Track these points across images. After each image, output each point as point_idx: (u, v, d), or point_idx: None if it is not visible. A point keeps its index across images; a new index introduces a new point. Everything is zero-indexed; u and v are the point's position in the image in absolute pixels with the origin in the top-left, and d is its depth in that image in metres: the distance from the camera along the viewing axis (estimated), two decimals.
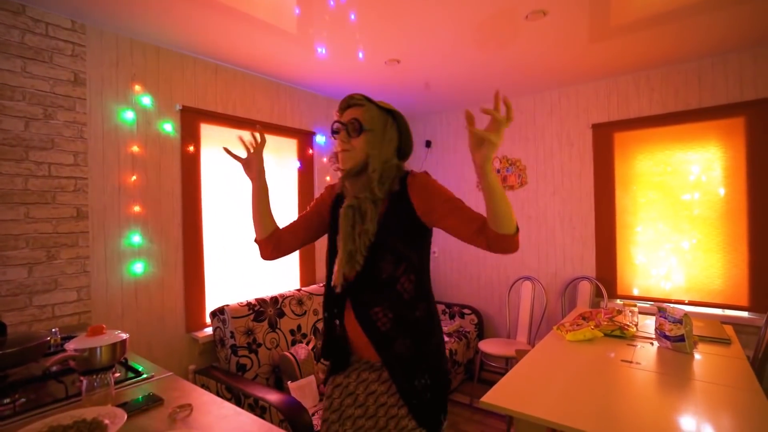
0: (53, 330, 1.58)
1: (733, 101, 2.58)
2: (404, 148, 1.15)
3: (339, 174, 1.15)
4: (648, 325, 2.25)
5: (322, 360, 1.24)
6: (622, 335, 2.06)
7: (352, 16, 2.01)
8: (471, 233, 1.01)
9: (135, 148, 2.09)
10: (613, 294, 3.00)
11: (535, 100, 3.36)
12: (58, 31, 1.86)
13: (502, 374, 3.27)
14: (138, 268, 2.09)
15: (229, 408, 1.06)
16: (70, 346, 1.21)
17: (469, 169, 3.75)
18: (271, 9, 1.92)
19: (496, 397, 1.45)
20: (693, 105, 2.70)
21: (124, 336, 1.31)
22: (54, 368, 1.27)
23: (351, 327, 1.12)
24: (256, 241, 1.24)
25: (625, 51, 2.51)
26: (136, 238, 2.08)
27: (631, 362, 1.73)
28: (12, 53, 1.73)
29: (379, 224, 1.06)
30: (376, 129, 1.08)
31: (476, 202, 3.68)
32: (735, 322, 2.49)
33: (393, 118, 1.12)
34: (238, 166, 1.25)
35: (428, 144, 4.00)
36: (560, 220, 3.24)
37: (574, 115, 3.18)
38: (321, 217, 1.27)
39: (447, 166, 3.91)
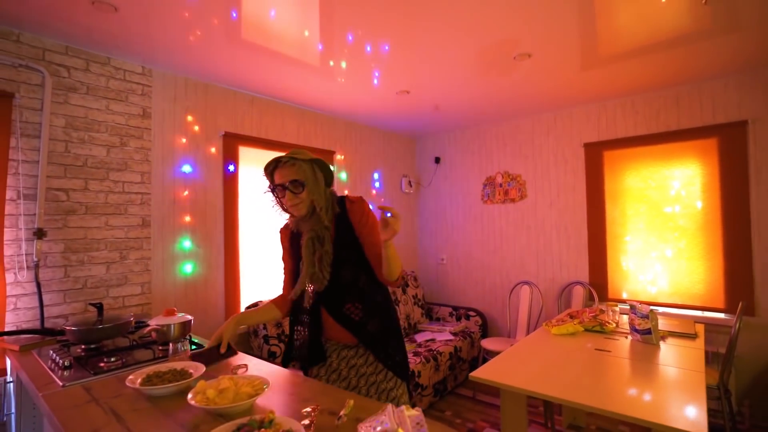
0: (130, 315, 1.99)
1: (708, 124, 2.88)
2: (329, 179, 1.42)
3: (290, 218, 1.42)
4: (627, 322, 2.54)
5: (292, 364, 1.55)
6: (602, 330, 2.36)
7: (368, 48, 2.37)
8: (377, 263, 1.37)
9: (187, 168, 2.52)
10: (604, 297, 3.28)
11: (533, 121, 3.70)
12: (132, 76, 2.31)
13: None
14: (188, 268, 2.50)
15: (274, 367, 1.42)
16: (153, 322, 1.60)
17: (474, 183, 4.10)
18: (297, 46, 2.27)
19: (485, 372, 1.78)
20: (673, 127, 3.01)
21: (189, 317, 1.70)
22: (139, 340, 1.67)
23: (327, 324, 1.42)
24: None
25: (612, 78, 2.84)
26: (187, 243, 2.50)
27: (603, 350, 2.03)
28: (100, 95, 2.18)
29: (333, 244, 1.39)
30: (310, 179, 1.32)
31: (480, 214, 4.02)
32: (713, 323, 2.76)
33: (315, 163, 1.36)
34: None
35: (437, 160, 4.37)
36: (556, 230, 3.55)
37: (568, 135, 3.51)
38: (293, 257, 1.49)
39: (454, 180, 4.26)
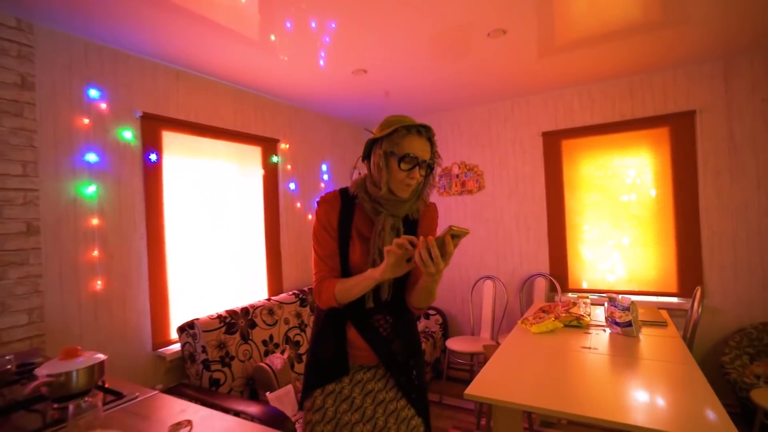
0: (8, 357, 1.45)
1: (659, 113, 2.92)
2: None
3: (376, 193, 1.13)
4: (598, 314, 2.48)
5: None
6: (579, 325, 2.26)
7: (313, 24, 2.03)
8: (412, 283, 1.17)
9: (92, 156, 1.96)
10: (565, 288, 3.25)
11: (490, 109, 3.57)
12: (1, 30, 1.71)
13: (468, 371, 3.44)
14: (98, 284, 1.95)
15: (230, 420, 1.04)
16: (43, 371, 1.12)
17: None
18: (233, 15, 1.88)
19: (477, 389, 1.54)
20: (627, 116, 3.02)
21: (102, 357, 1.24)
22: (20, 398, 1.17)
23: (351, 336, 1.18)
24: (341, 305, 1.12)
25: (568, 66, 2.77)
26: (95, 253, 1.95)
27: (589, 348, 1.90)
28: None
29: None
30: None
31: (437, 207, 3.81)
32: (667, 307, 2.81)
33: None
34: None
35: None
36: (516, 222, 3.46)
37: (525, 123, 3.42)
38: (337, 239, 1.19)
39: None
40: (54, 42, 1.87)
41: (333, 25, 2.05)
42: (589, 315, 2.36)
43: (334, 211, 1.17)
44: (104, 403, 1.17)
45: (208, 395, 1.97)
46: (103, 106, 2.02)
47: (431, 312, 3.64)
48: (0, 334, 1.66)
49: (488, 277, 3.46)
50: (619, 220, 3.08)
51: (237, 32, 2.04)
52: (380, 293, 1.15)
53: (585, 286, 3.21)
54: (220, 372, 2.11)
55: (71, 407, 0.98)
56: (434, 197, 3.85)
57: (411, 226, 1.20)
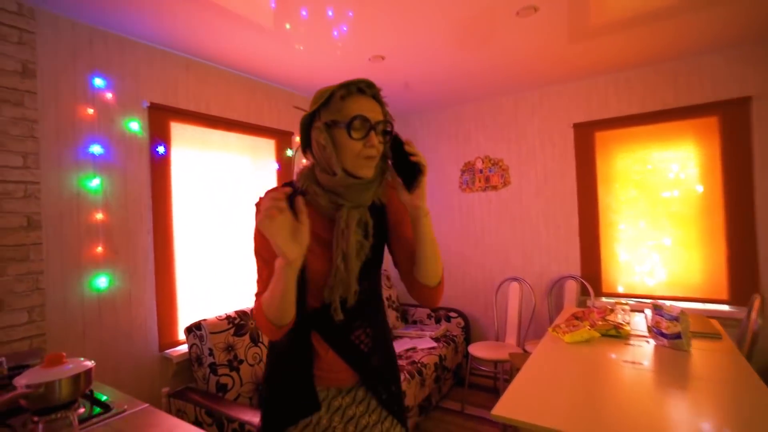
0: None
1: (708, 101, 2.64)
2: None
3: (331, 181, 0.89)
4: (639, 322, 2.25)
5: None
6: (618, 334, 2.03)
7: (330, 12, 1.91)
8: (410, 267, 0.96)
9: (96, 148, 1.88)
10: (598, 292, 3.01)
11: (517, 99, 3.35)
12: (2, 15, 1.63)
13: (492, 378, 3.25)
14: (102, 282, 1.87)
15: None
16: (21, 381, 1.01)
17: (450, 169, 3.70)
18: (246, 1, 1.77)
19: (505, 408, 1.36)
20: (670, 104, 2.75)
21: (89, 364, 1.12)
22: None
23: (327, 359, 0.96)
24: (284, 326, 0.86)
25: (603, 52, 2.53)
26: (99, 249, 1.86)
27: (632, 362, 1.69)
28: None
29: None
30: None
31: (458, 203, 3.63)
32: (717, 316, 2.54)
33: None
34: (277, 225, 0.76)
35: None
36: (544, 220, 3.23)
37: (555, 114, 3.18)
38: None
39: (428, 167, 3.83)
40: (57, 28, 1.78)
41: (350, 13, 1.91)
42: (628, 324, 2.14)
43: None
44: (88, 417, 1.06)
45: (214, 402, 1.86)
46: (109, 95, 1.93)
47: (452, 314, 3.46)
48: None
49: (514, 279, 3.25)
50: (659, 218, 2.82)
51: (250, 19, 1.92)
52: (344, 299, 0.91)
53: (621, 290, 2.96)
54: (227, 377, 1.99)
55: (41, 426, 0.86)
56: (456, 193, 3.66)
57: (378, 213, 0.98)
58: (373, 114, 0.87)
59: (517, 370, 2.36)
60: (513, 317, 3.15)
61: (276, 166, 2.88)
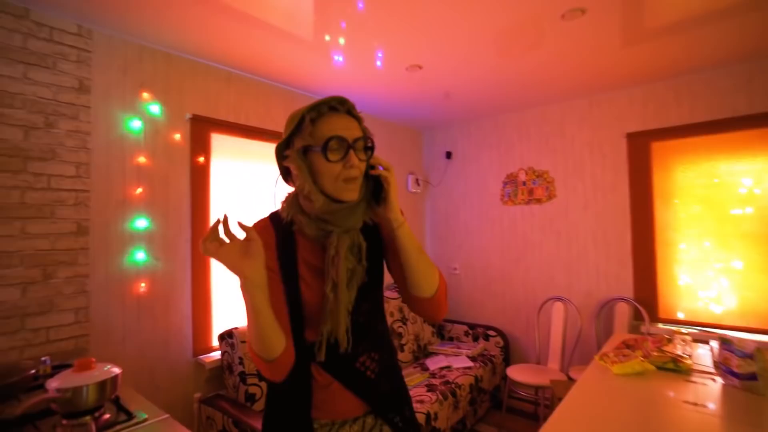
0: (43, 359, 1.44)
1: None
2: None
3: (314, 209, 0.84)
4: (702, 356, 2.00)
5: None
6: (677, 369, 1.81)
7: (371, 24, 1.90)
8: (405, 282, 0.92)
9: (141, 159, 1.97)
10: (654, 317, 2.74)
11: (563, 108, 3.17)
12: (63, 36, 1.76)
13: (533, 403, 3.04)
14: (142, 287, 1.94)
15: None
16: (53, 384, 1.05)
17: (492, 181, 3.56)
18: (286, 15, 1.81)
19: None
20: (742, 111, 2.47)
21: (116, 371, 1.15)
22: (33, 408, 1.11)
23: (320, 391, 0.90)
24: (275, 360, 0.80)
25: (661, 55, 2.33)
26: (141, 255, 1.94)
27: (694, 404, 1.49)
28: (13, 58, 1.62)
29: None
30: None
31: (500, 216, 3.48)
32: None
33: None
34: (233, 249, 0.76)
35: (449, 155, 3.83)
36: (593, 237, 3.01)
37: (606, 124, 2.97)
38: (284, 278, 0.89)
39: (468, 178, 3.72)
40: (111, 46, 1.90)
41: (389, 22, 1.89)
42: (690, 357, 1.90)
43: (269, 250, 0.86)
44: (112, 423, 1.07)
45: (241, 411, 1.86)
46: (155, 108, 2.02)
47: (491, 333, 3.30)
48: (48, 332, 1.68)
49: (558, 299, 3.04)
50: (727, 238, 2.52)
51: (290, 32, 1.95)
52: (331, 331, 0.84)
53: (681, 316, 2.67)
54: (256, 386, 1.99)
55: (58, 431, 0.87)
56: (497, 206, 3.51)
57: (371, 234, 0.91)
58: (350, 132, 0.82)
59: (559, 399, 2.18)
60: (556, 340, 2.94)
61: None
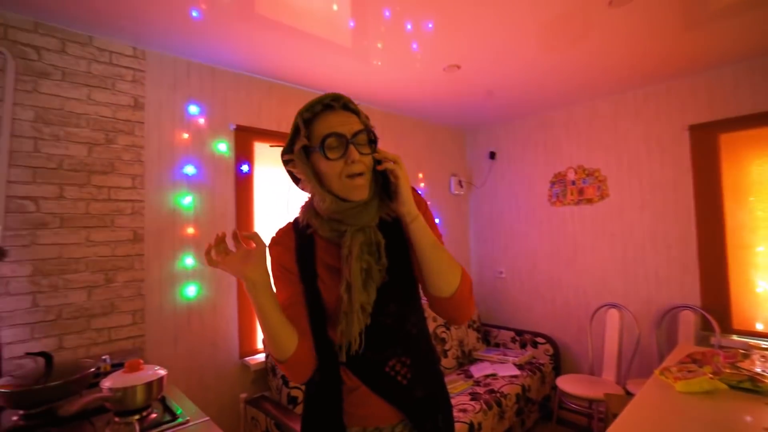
0: (104, 357, 1.56)
1: None
2: None
3: (326, 209, 0.84)
4: None
5: None
6: (756, 389, 1.61)
7: (408, 26, 1.88)
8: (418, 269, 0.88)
9: (190, 169, 2.08)
10: (727, 328, 2.47)
11: (616, 102, 2.96)
12: (121, 59, 1.90)
13: (586, 415, 2.85)
14: (191, 291, 2.05)
15: None
16: (106, 384, 1.13)
17: (539, 181, 3.40)
18: (325, 24, 1.85)
19: None
20: None
21: (162, 373, 1.21)
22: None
23: (350, 396, 0.88)
24: (287, 361, 0.82)
25: (728, 37, 2.09)
26: (189, 261, 2.05)
27: None
28: (79, 82, 1.78)
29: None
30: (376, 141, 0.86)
31: (548, 218, 3.32)
32: None
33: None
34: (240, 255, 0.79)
35: (492, 155, 3.71)
36: (651, 239, 2.78)
37: (665, 116, 2.73)
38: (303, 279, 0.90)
39: (513, 179, 3.58)
40: (162, 64, 2.03)
41: (430, 26, 1.87)
42: None
43: (288, 252, 0.89)
44: (158, 423, 1.13)
45: (283, 414, 1.90)
46: (201, 120, 2.14)
47: (540, 340, 3.14)
48: (110, 332, 1.82)
49: (613, 305, 2.84)
50: None
51: (329, 40, 1.99)
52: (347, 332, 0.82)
53: (760, 328, 2.39)
54: (298, 389, 2.03)
55: (107, 429, 0.93)
56: (544, 207, 3.34)
57: (392, 230, 0.87)
58: (348, 126, 0.80)
59: (614, 415, 2.02)
60: (611, 350, 2.74)
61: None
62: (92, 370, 1.30)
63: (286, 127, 2.51)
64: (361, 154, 0.80)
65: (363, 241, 0.82)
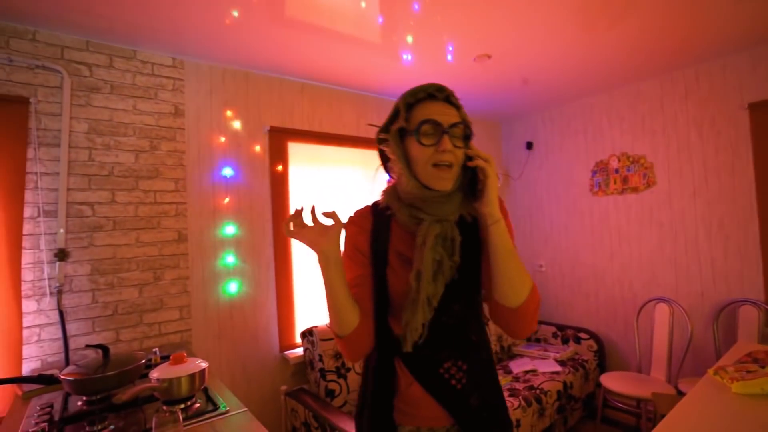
0: (154, 350, 1.67)
1: None
2: None
3: (408, 194, 0.85)
4: None
5: None
6: None
7: (438, 18, 1.86)
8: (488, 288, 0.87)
9: (228, 171, 2.18)
10: None
11: (662, 82, 2.77)
12: (162, 69, 2.02)
13: (634, 415, 2.72)
14: (232, 287, 2.15)
15: None
16: (154, 374, 1.21)
17: (579, 170, 3.26)
18: (354, 22, 1.86)
19: None
20: None
21: (204, 365, 1.29)
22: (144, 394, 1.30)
23: (412, 394, 0.88)
24: (346, 337, 0.84)
25: None
26: (230, 259, 2.15)
27: None
28: (126, 94, 1.91)
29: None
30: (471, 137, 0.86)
31: (589, 208, 3.18)
32: None
33: None
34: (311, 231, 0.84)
35: (529, 146, 3.59)
36: (705, 227, 2.58)
37: (720, 95, 2.52)
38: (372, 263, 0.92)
39: (551, 169, 3.45)
40: (199, 73, 2.13)
41: (452, 15, 1.84)
42: None
43: (363, 233, 0.92)
44: (201, 413, 1.20)
45: (321, 406, 1.96)
46: (237, 124, 2.22)
47: (583, 335, 3.03)
48: (160, 326, 1.95)
49: (662, 300, 2.67)
50: None
51: (358, 38, 2.01)
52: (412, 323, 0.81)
53: None
54: (335, 383, 2.09)
55: (155, 420, 1.00)
56: (585, 197, 3.20)
57: (469, 231, 0.86)
58: (446, 117, 0.81)
59: (662, 416, 1.92)
60: (661, 346, 2.59)
61: (387, 176, 2.93)
62: (143, 361, 1.40)
63: (319, 126, 2.56)
64: (454, 146, 0.80)
65: (439, 233, 0.81)
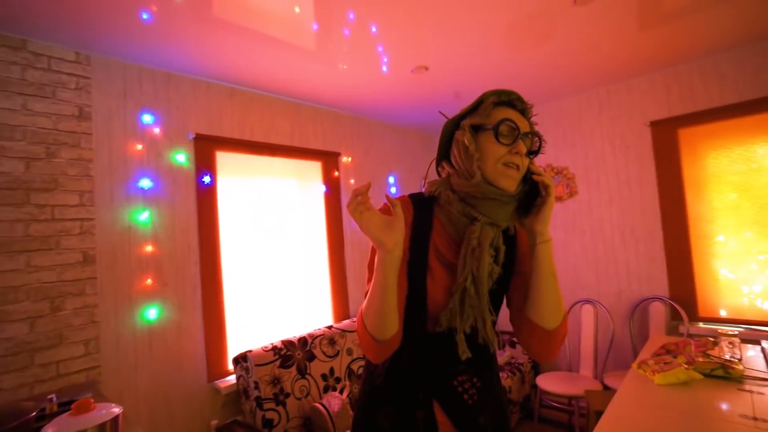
0: (50, 396, 1.39)
1: None
2: None
3: (467, 187, 0.81)
4: (753, 358, 1.83)
5: None
6: (728, 376, 1.65)
7: (373, 29, 1.83)
8: (523, 304, 0.84)
9: (146, 182, 1.93)
10: (694, 316, 2.55)
11: (580, 100, 3.02)
12: (62, 65, 1.74)
13: (565, 411, 2.87)
14: (152, 313, 1.89)
15: None
16: (48, 431, 0.99)
17: None
18: (288, 27, 1.77)
19: None
20: None
21: (117, 411, 1.08)
22: None
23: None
24: (384, 341, 0.77)
25: (683, 36, 2.18)
26: (149, 281, 1.90)
27: (754, 418, 1.33)
28: (12, 91, 1.61)
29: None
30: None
31: None
32: None
33: None
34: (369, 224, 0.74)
35: None
36: (620, 233, 2.84)
37: (627, 113, 2.81)
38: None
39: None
40: (109, 71, 1.87)
41: (395, 27, 1.83)
42: (740, 360, 1.73)
43: (408, 220, 0.86)
44: None
45: None
46: (156, 130, 1.99)
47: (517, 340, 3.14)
48: (58, 366, 1.65)
49: (587, 301, 2.88)
50: None
51: (291, 44, 1.90)
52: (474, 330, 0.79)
53: (723, 314, 2.47)
54: (273, 411, 1.92)
55: None
56: None
57: (509, 244, 0.87)
58: (522, 124, 0.82)
59: (596, 411, 2.03)
60: (588, 345, 2.78)
61: (323, 188, 2.83)
62: (33, 414, 1.15)
63: (250, 134, 2.39)
64: (525, 156, 0.81)
65: (492, 237, 0.80)
